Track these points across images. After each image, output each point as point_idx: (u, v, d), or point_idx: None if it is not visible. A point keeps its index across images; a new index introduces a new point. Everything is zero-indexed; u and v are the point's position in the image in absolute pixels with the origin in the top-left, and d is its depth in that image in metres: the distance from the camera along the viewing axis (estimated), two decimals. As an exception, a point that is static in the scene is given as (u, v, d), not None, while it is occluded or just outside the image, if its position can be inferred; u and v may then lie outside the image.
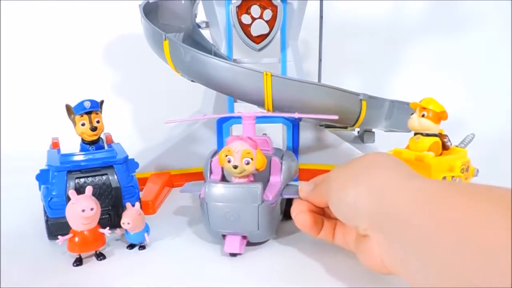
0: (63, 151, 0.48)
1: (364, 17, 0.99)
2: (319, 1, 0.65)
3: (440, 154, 0.46)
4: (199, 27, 0.67)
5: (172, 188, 0.64)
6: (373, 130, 0.67)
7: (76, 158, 0.45)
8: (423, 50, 1.01)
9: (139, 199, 0.48)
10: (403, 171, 0.32)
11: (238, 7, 0.56)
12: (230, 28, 0.59)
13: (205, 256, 0.42)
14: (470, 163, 0.47)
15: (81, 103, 0.47)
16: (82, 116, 0.47)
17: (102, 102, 0.49)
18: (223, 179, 0.46)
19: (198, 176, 0.63)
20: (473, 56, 1.01)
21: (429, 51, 1.01)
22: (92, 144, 0.50)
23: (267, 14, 0.57)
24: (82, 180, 0.44)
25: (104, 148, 0.51)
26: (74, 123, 0.48)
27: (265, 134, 0.50)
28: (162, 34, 0.54)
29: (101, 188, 0.45)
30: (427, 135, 0.45)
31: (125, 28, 0.92)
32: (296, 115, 0.48)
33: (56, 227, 0.43)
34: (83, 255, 0.41)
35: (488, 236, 0.23)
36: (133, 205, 0.43)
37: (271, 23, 0.57)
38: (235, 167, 0.40)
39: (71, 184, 0.44)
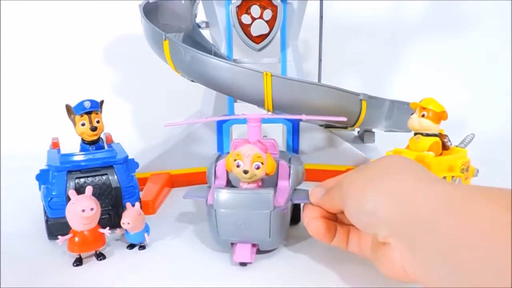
0: (63, 151, 0.48)
1: (364, 17, 0.99)
2: (319, 1, 0.65)
3: (440, 154, 0.46)
4: (199, 27, 0.67)
5: (172, 188, 0.64)
6: (373, 130, 0.67)
7: (76, 158, 0.45)
8: (423, 50, 1.01)
9: (139, 199, 0.48)
10: (422, 174, 0.31)
11: (238, 7, 0.56)
12: (230, 28, 0.59)
13: (205, 256, 0.42)
14: (470, 163, 0.48)
15: (81, 103, 0.47)
16: (82, 116, 0.47)
17: (102, 102, 0.49)
18: (228, 184, 0.44)
19: (198, 176, 0.63)
20: (473, 56, 1.01)
21: (429, 51, 1.01)
22: (92, 144, 0.50)
23: (267, 14, 0.57)
24: (82, 180, 0.44)
25: (104, 148, 0.51)
26: (74, 123, 0.48)
27: (265, 136, 0.49)
28: (162, 34, 0.54)
29: (101, 188, 0.45)
30: (427, 135, 0.45)
31: (125, 28, 0.92)
32: (304, 117, 0.47)
33: (56, 227, 0.43)
34: (83, 255, 0.41)
35: None
36: (133, 205, 0.43)
37: (271, 23, 0.57)
38: (246, 172, 0.39)
39: (71, 184, 0.44)
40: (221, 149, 0.63)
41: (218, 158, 0.46)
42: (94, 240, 0.40)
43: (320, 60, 0.68)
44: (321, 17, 0.66)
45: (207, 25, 0.65)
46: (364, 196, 0.31)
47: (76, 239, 0.39)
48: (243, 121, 0.61)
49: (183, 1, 0.69)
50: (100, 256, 0.41)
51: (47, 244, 0.44)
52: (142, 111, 0.99)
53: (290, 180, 0.43)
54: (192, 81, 0.56)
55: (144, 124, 0.96)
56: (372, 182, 0.32)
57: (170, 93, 0.94)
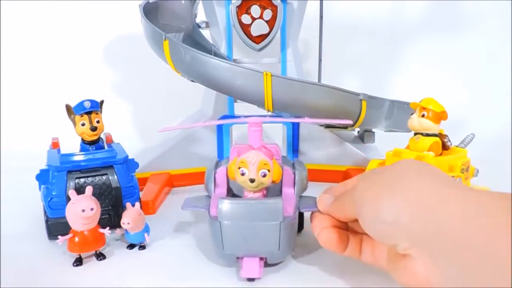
0: (63, 151, 0.48)
1: (364, 17, 0.99)
2: (319, 1, 0.65)
3: (440, 154, 0.46)
4: (199, 27, 0.67)
5: (172, 188, 0.64)
6: (373, 130, 0.67)
7: (76, 158, 0.45)
8: (423, 50, 1.01)
9: (139, 199, 0.48)
10: (444, 180, 0.29)
11: (238, 7, 0.56)
12: (230, 28, 0.59)
13: (205, 256, 0.42)
14: (470, 163, 0.47)
15: (81, 103, 0.47)
16: (82, 116, 0.47)
17: (102, 102, 0.49)
18: (229, 192, 0.42)
19: (198, 176, 0.63)
20: (473, 56, 1.01)
21: (429, 51, 1.01)
22: (92, 144, 0.50)
23: (267, 14, 0.57)
24: (82, 180, 0.44)
25: (104, 148, 0.51)
26: (74, 123, 0.48)
27: (264, 140, 0.48)
28: (162, 34, 0.54)
29: (101, 188, 0.45)
30: (427, 135, 0.45)
31: (125, 28, 0.92)
32: (308, 121, 0.45)
33: (56, 227, 0.43)
34: (83, 255, 0.41)
35: None
36: (133, 205, 0.43)
37: (271, 23, 0.57)
38: (252, 180, 0.36)
39: (71, 184, 0.44)
40: (221, 149, 0.63)
41: (217, 165, 0.44)
42: (94, 240, 0.40)
43: (320, 60, 0.68)
44: (321, 17, 0.66)
45: (207, 25, 0.65)
46: (382, 204, 0.29)
47: (76, 239, 0.39)
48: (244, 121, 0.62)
49: (183, 1, 0.69)
50: (100, 256, 0.41)
51: (47, 244, 0.44)
52: (142, 111, 0.99)
53: (296, 187, 0.41)
54: (192, 81, 0.56)
55: (144, 124, 0.96)
56: (389, 188, 0.30)
57: (170, 93, 0.94)
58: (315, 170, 0.64)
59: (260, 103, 0.53)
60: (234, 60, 0.60)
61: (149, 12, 0.61)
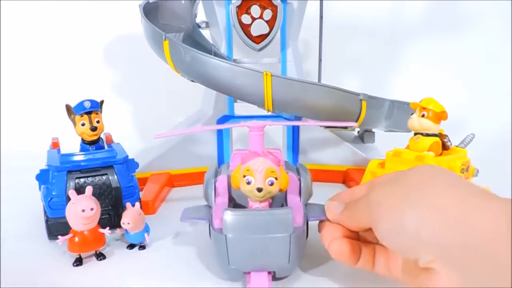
0: (63, 151, 0.48)
1: (364, 17, 0.99)
2: (319, 1, 0.65)
3: (440, 154, 0.46)
4: (199, 27, 0.67)
5: (172, 188, 0.64)
6: (373, 130, 0.67)
7: (76, 158, 0.45)
8: (423, 50, 1.01)
9: (139, 199, 0.48)
10: (467, 188, 0.27)
11: (238, 7, 0.56)
12: (230, 28, 0.59)
13: (206, 256, 0.42)
14: (470, 163, 0.47)
15: (81, 103, 0.47)
16: (82, 116, 0.47)
17: (102, 102, 0.49)
18: (231, 202, 0.40)
19: (198, 176, 0.63)
20: (473, 56, 1.01)
21: (429, 51, 1.01)
22: (92, 144, 0.50)
23: (267, 14, 0.57)
24: (82, 180, 0.44)
25: (104, 148, 0.51)
26: (74, 123, 0.48)
27: None
28: (162, 34, 0.54)
29: (101, 188, 0.45)
30: (427, 135, 0.45)
31: (125, 28, 0.92)
32: (312, 123, 0.43)
33: (56, 227, 0.43)
34: (83, 255, 0.41)
35: None
36: (133, 205, 0.43)
37: (271, 23, 0.57)
38: (260, 190, 0.34)
39: (71, 184, 0.44)
40: (221, 151, 0.63)
41: (216, 172, 0.42)
42: (94, 240, 0.40)
43: (320, 60, 0.68)
44: (321, 17, 0.66)
45: (207, 25, 0.65)
46: (402, 215, 0.27)
47: (76, 239, 0.39)
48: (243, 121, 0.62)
49: (183, 1, 0.69)
50: (100, 256, 0.41)
51: (47, 244, 0.44)
52: (142, 111, 0.99)
53: (302, 194, 0.39)
54: (192, 81, 0.56)
55: (144, 124, 0.96)
56: (410, 197, 0.27)
57: (170, 93, 0.94)
58: (315, 170, 0.64)
59: (260, 103, 0.53)
60: (234, 60, 0.60)
61: (149, 12, 0.61)
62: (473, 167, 0.48)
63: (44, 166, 0.45)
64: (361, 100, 0.55)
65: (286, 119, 0.61)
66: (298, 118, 0.62)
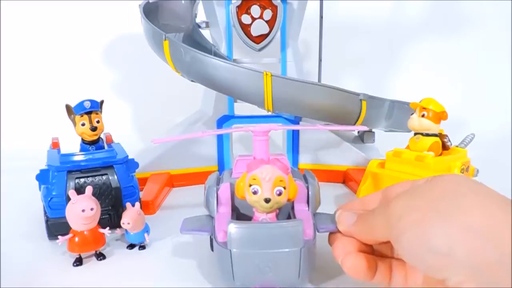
0: (63, 151, 0.48)
1: (364, 17, 0.99)
2: (319, 1, 0.65)
3: (440, 154, 0.46)
4: (199, 27, 0.67)
5: (172, 188, 0.64)
6: (373, 130, 0.67)
7: (76, 158, 0.45)
8: (423, 50, 1.01)
9: (139, 199, 0.48)
10: (501, 201, 0.25)
11: (238, 7, 0.56)
12: (230, 28, 0.59)
13: (206, 256, 0.42)
14: (470, 163, 0.47)
15: (81, 103, 0.47)
16: (82, 116, 0.47)
17: (102, 102, 0.49)
18: (234, 211, 0.37)
19: (198, 176, 0.64)
20: (473, 56, 1.01)
21: (429, 51, 1.01)
22: (92, 144, 0.50)
23: (267, 14, 0.57)
24: (82, 180, 0.44)
25: (104, 148, 0.51)
26: (74, 123, 0.48)
27: None
28: (162, 34, 0.54)
29: (101, 188, 0.45)
30: (427, 135, 0.45)
31: (125, 28, 0.92)
32: (320, 128, 0.41)
33: (56, 227, 0.43)
34: (83, 255, 0.41)
35: None
36: (133, 205, 0.43)
37: (271, 23, 0.57)
38: (268, 200, 0.32)
39: (71, 184, 0.44)
40: (221, 150, 0.63)
41: (218, 180, 0.39)
42: (94, 240, 0.40)
43: (320, 60, 0.68)
44: (321, 17, 0.66)
45: (207, 25, 0.65)
46: (430, 230, 0.25)
47: (76, 239, 0.39)
48: (244, 121, 0.62)
49: (183, 1, 0.69)
50: (100, 256, 0.41)
51: (47, 244, 0.44)
52: (142, 111, 0.99)
53: (310, 203, 0.36)
54: (192, 81, 0.56)
55: (144, 124, 0.96)
56: (438, 210, 0.25)
57: (170, 93, 0.94)
58: (315, 170, 0.64)
59: (260, 103, 0.53)
60: (234, 60, 0.60)
61: (149, 12, 0.61)
62: (473, 167, 0.48)
63: (44, 166, 0.45)
64: (361, 100, 0.55)
65: (286, 119, 0.61)
66: (298, 118, 0.62)
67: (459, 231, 0.24)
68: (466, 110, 0.91)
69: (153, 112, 0.97)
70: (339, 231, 0.33)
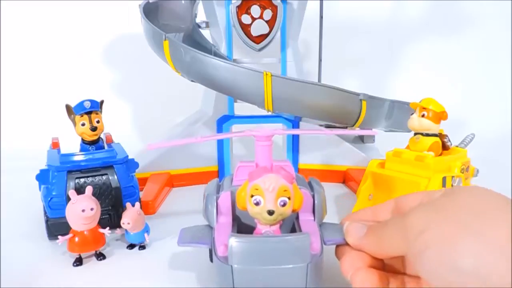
0: (63, 151, 0.48)
1: (364, 17, 0.99)
2: (319, 1, 0.65)
3: (440, 154, 0.46)
4: (199, 27, 0.67)
5: (172, 188, 0.64)
6: (373, 130, 0.67)
7: (76, 158, 0.45)
8: (423, 50, 1.01)
9: (139, 199, 0.48)
10: None
11: (238, 7, 0.56)
12: (230, 28, 0.59)
13: (206, 256, 0.42)
14: (470, 163, 0.47)
15: (81, 103, 0.47)
16: (82, 116, 0.47)
17: (102, 102, 0.49)
18: (235, 221, 0.35)
19: (198, 176, 0.64)
20: (473, 56, 1.01)
21: (429, 51, 1.01)
22: (92, 144, 0.50)
23: (267, 14, 0.57)
24: (82, 180, 0.44)
25: (104, 148, 0.51)
26: (74, 123, 0.48)
27: None
28: (162, 34, 0.54)
29: (101, 188, 0.45)
30: (427, 135, 0.45)
31: (125, 28, 0.92)
32: (328, 133, 0.39)
33: (56, 227, 0.43)
34: (83, 255, 0.41)
35: None
36: (133, 205, 0.43)
37: (271, 23, 0.57)
38: (271, 212, 0.30)
39: (71, 184, 0.44)
40: (221, 150, 0.63)
41: (218, 188, 0.37)
42: (94, 240, 0.40)
43: (320, 60, 0.68)
44: (321, 17, 0.66)
45: (207, 25, 0.65)
46: (457, 248, 0.23)
47: (76, 239, 0.39)
48: (244, 121, 0.62)
49: (183, 1, 0.69)
50: (100, 256, 0.41)
51: (47, 244, 0.44)
52: (142, 111, 0.99)
53: (316, 213, 0.34)
54: (192, 81, 0.56)
55: (144, 124, 0.96)
56: (464, 227, 0.24)
57: (170, 93, 0.94)
58: (315, 170, 0.64)
59: (260, 103, 0.53)
60: (234, 60, 0.60)
61: (149, 12, 0.61)
62: (473, 167, 0.48)
63: (44, 166, 0.45)
64: (361, 100, 0.55)
65: (286, 119, 0.61)
66: (299, 118, 0.62)
67: (487, 251, 0.22)
68: (466, 110, 0.91)
69: (153, 112, 0.97)
70: (347, 244, 0.31)
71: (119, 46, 0.98)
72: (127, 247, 0.44)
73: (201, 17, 0.67)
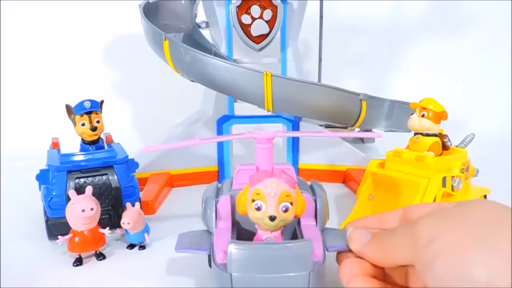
0: (63, 151, 0.48)
1: (364, 17, 0.99)
2: (319, 1, 0.65)
3: (440, 154, 0.46)
4: (199, 27, 0.67)
5: (172, 188, 0.64)
6: (373, 130, 0.67)
7: (76, 158, 0.45)
8: (423, 50, 1.01)
9: (139, 199, 0.48)
10: None
11: (238, 7, 0.56)
12: (230, 28, 0.59)
13: (205, 257, 0.42)
14: (470, 163, 0.47)
15: (81, 103, 0.47)
16: (82, 116, 0.47)
17: (102, 102, 0.49)
18: (234, 226, 0.34)
19: (198, 176, 0.64)
20: (473, 56, 1.01)
21: (429, 51, 1.01)
22: (92, 144, 0.50)
23: (267, 14, 0.57)
24: (82, 180, 0.44)
25: (104, 148, 0.51)
26: (74, 123, 0.48)
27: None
28: (162, 34, 0.54)
29: (101, 188, 0.45)
30: (427, 135, 0.45)
31: (125, 28, 0.92)
32: (328, 135, 0.39)
33: (56, 227, 0.43)
34: (83, 255, 0.41)
35: None
36: (133, 205, 0.43)
37: (271, 23, 0.57)
38: (273, 218, 0.29)
39: (71, 184, 0.44)
40: (221, 150, 0.63)
41: (217, 191, 0.36)
42: (94, 240, 0.40)
43: (320, 60, 0.68)
44: (321, 17, 0.66)
45: (207, 25, 0.65)
46: (470, 257, 0.22)
47: (76, 239, 0.39)
48: (244, 121, 0.62)
49: (183, 1, 0.69)
50: (100, 256, 0.41)
51: (47, 244, 0.44)
52: (142, 111, 0.99)
53: (318, 218, 0.33)
54: (192, 81, 0.56)
55: (144, 124, 0.96)
56: (477, 237, 0.23)
57: (170, 93, 0.94)
58: (315, 170, 0.64)
59: (260, 103, 0.53)
60: (234, 60, 0.60)
61: (149, 12, 0.61)
62: (473, 167, 0.48)
63: (44, 166, 0.45)
64: (361, 100, 0.55)
65: (286, 119, 0.61)
66: (299, 118, 0.62)
67: (500, 262, 0.22)
68: (466, 110, 0.91)
69: (153, 112, 0.97)
70: (350, 250, 0.30)
71: (119, 46, 0.98)
72: (127, 247, 0.44)
73: (201, 17, 0.67)
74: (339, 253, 0.31)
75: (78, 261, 0.40)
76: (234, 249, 0.28)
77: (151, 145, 0.37)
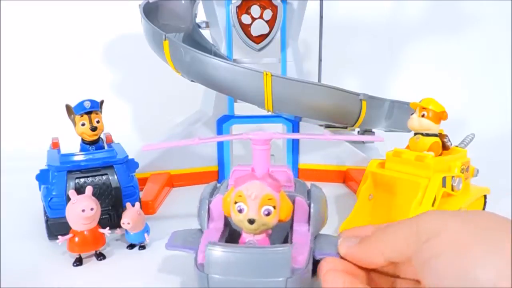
0: (63, 151, 0.48)
1: (364, 17, 0.99)
2: (319, 1, 0.65)
3: (440, 154, 0.46)
4: (199, 27, 0.67)
5: (172, 188, 0.64)
6: (373, 130, 0.67)
7: (76, 158, 0.45)
8: (423, 50, 1.01)
9: (139, 199, 0.48)
10: None
11: (238, 7, 0.56)
12: (230, 28, 0.59)
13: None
14: (470, 163, 0.47)
15: (81, 103, 0.47)
16: (82, 116, 0.47)
17: (102, 102, 0.49)
18: (226, 228, 0.34)
19: (198, 176, 0.64)
20: (473, 56, 1.01)
21: (429, 51, 1.01)
22: (92, 144, 0.50)
23: (267, 14, 0.57)
24: (82, 180, 0.44)
25: (104, 148, 0.51)
26: (74, 123, 0.48)
27: (273, 155, 0.40)
28: (162, 34, 0.54)
29: (101, 188, 0.45)
30: (427, 135, 0.45)
31: (125, 28, 0.92)
32: (328, 138, 0.37)
33: (56, 227, 0.43)
34: (83, 255, 0.41)
35: None
36: (133, 205, 0.43)
37: (271, 23, 0.57)
38: (252, 221, 0.28)
39: (71, 184, 0.44)
40: (221, 150, 0.63)
41: (214, 191, 0.36)
42: (94, 240, 0.40)
43: (320, 60, 0.68)
44: (321, 17, 0.66)
45: (207, 25, 0.65)
46: (475, 256, 0.22)
47: (76, 239, 0.39)
48: (244, 121, 0.62)
49: (183, 1, 0.69)
50: (100, 256, 0.41)
51: (47, 244, 0.44)
52: (142, 111, 0.99)
53: (311, 224, 0.32)
54: (192, 81, 0.56)
55: (144, 124, 0.96)
56: (482, 238, 0.23)
57: (170, 93, 0.94)
58: (315, 170, 0.64)
59: (260, 103, 0.53)
60: (234, 60, 0.60)
61: (149, 12, 0.61)
62: (473, 167, 0.48)
63: (44, 166, 0.45)
64: (361, 100, 0.55)
65: (286, 119, 0.61)
66: (299, 118, 0.62)
67: (506, 263, 0.21)
68: (466, 110, 0.91)
69: (153, 112, 0.97)
70: (340, 257, 0.29)
71: (119, 46, 0.98)
72: (127, 247, 0.44)
73: (201, 17, 0.67)
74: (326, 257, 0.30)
75: (78, 261, 0.40)
76: (212, 250, 0.28)
77: (150, 144, 0.37)
